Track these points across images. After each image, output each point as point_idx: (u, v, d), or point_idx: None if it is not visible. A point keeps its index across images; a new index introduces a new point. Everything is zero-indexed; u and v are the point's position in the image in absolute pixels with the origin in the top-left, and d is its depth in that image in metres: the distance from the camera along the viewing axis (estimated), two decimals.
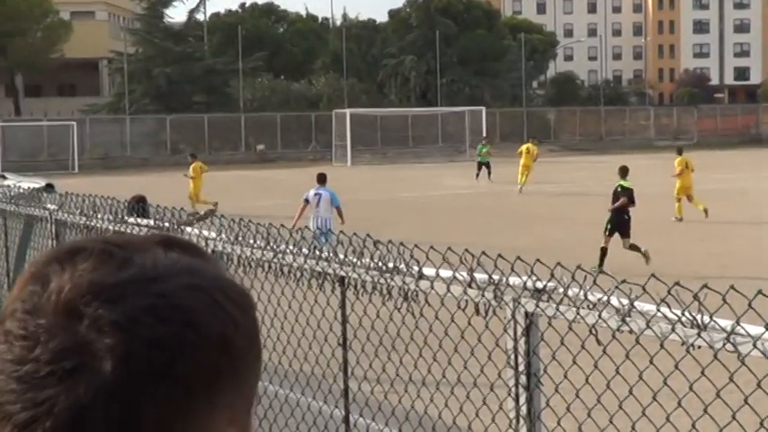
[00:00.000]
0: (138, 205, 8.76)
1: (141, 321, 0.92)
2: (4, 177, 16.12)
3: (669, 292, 3.61)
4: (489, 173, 45.97)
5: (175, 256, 1.00)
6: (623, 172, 21.73)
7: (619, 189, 21.21)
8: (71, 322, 0.92)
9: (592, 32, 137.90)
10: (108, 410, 0.89)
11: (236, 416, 0.98)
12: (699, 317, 3.54)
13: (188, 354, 0.93)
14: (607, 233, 20.53)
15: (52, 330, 0.92)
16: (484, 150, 47.64)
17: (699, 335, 3.53)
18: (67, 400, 0.89)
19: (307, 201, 21.15)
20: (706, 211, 28.35)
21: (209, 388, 0.94)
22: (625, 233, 20.69)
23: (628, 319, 3.78)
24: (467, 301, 4.52)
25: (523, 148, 42.38)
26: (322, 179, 21.63)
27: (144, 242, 1.02)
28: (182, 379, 0.92)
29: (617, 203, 20.93)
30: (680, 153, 31.43)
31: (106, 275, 0.95)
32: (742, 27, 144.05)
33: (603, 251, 20.03)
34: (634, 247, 20.40)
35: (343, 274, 5.26)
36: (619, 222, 20.71)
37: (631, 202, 20.93)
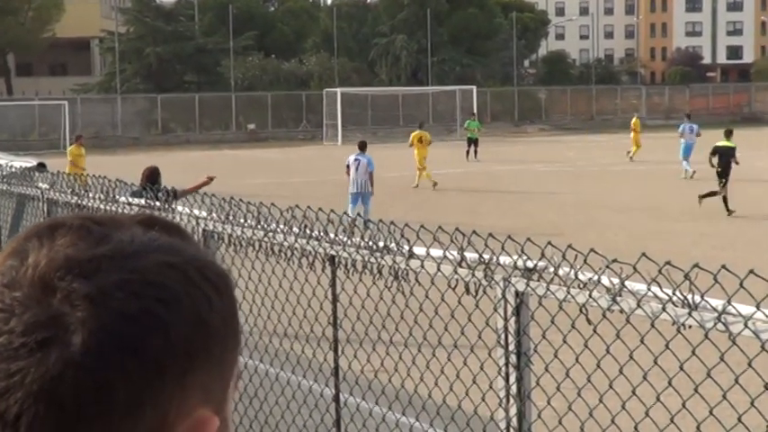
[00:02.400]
0: (151, 179, 8.76)
1: (113, 296, 0.93)
2: None
3: (660, 272, 3.60)
4: (476, 151, 45.95)
5: (154, 234, 1.01)
6: (728, 134, 26.98)
7: (725, 148, 26.24)
8: (45, 296, 0.93)
9: (584, 11, 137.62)
10: (77, 383, 0.90)
11: (211, 396, 0.98)
12: (690, 296, 3.53)
13: (160, 330, 0.93)
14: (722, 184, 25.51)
15: (26, 303, 0.93)
16: (473, 126, 47.63)
17: (690, 314, 3.53)
18: (38, 372, 0.90)
19: (348, 166, 23.50)
20: (435, 184, 32.16)
21: (182, 366, 0.94)
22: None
23: (618, 298, 3.77)
24: (457, 280, 4.51)
25: (632, 123, 46.86)
26: (363, 146, 24.11)
27: (124, 220, 1.03)
28: (153, 355, 0.93)
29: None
30: (420, 127, 36.72)
31: (82, 251, 0.96)
32: (735, 5, 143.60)
33: (724, 199, 25.21)
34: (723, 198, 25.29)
35: (333, 253, 5.25)
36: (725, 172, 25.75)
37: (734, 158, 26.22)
